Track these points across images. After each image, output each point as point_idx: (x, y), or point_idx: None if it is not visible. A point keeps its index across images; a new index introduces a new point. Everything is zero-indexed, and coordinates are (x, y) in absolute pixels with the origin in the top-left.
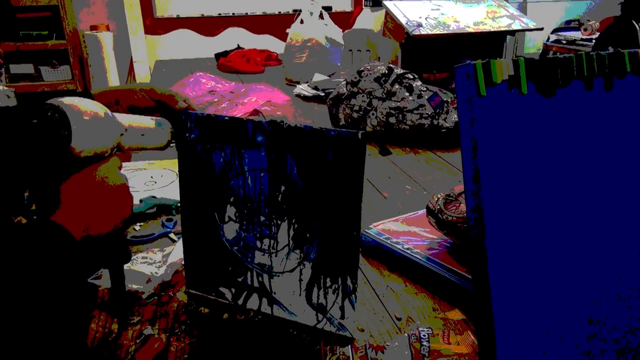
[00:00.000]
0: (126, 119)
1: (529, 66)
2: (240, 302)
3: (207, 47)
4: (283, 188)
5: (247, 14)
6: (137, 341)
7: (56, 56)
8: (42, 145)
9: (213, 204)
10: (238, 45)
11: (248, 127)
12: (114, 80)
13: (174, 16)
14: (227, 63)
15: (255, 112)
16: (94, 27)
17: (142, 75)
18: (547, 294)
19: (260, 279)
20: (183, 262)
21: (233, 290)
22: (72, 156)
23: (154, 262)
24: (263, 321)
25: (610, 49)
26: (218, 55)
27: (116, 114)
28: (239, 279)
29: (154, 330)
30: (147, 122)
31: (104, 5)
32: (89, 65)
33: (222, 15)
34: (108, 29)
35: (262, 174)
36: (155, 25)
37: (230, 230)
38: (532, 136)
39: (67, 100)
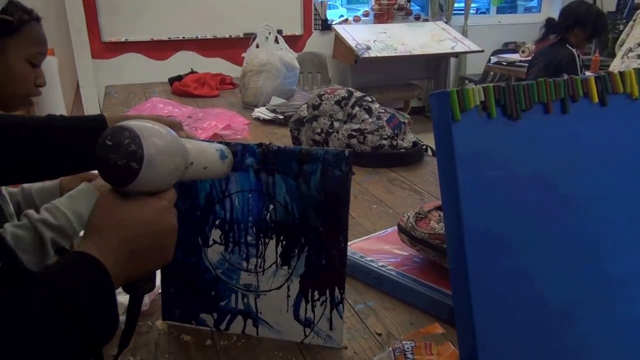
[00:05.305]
0: (193, 150)
1: (497, 92)
2: (222, 327)
3: (158, 71)
4: (272, 207)
5: (197, 37)
6: None
7: None
8: (103, 168)
9: (196, 228)
10: (192, 69)
11: (237, 151)
12: (59, 105)
13: (122, 40)
14: (182, 87)
15: (216, 136)
16: None
17: (90, 100)
18: (525, 300)
19: (245, 300)
20: (160, 291)
21: (215, 315)
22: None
23: None
24: (247, 345)
25: (565, 76)
26: (172, 80)
27: (183, 140)
28: (222, 303)
29: None
30: (211, 152)
31: (47, 29)
32: None
33: (172, 39)
34: (53, 54)
35: (250, 195)
36: (103, 50)
37: (214, 253)
38: (503, 156)
39: (146, 129)
